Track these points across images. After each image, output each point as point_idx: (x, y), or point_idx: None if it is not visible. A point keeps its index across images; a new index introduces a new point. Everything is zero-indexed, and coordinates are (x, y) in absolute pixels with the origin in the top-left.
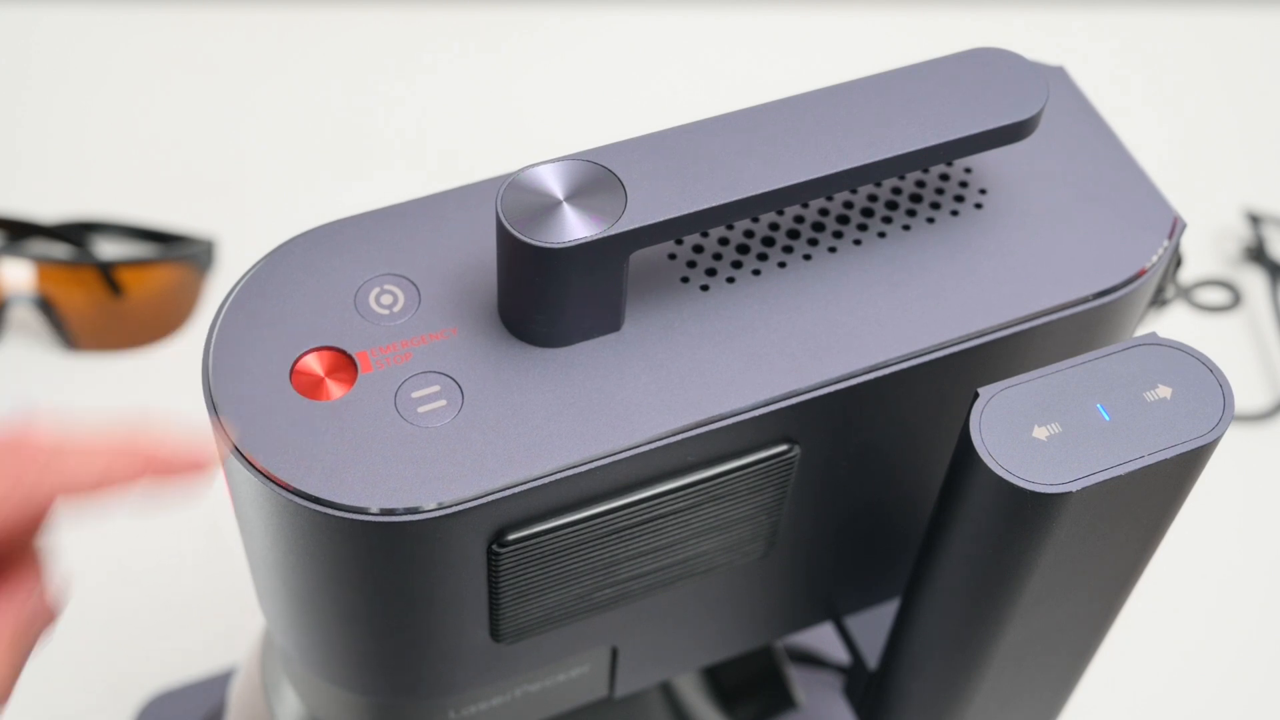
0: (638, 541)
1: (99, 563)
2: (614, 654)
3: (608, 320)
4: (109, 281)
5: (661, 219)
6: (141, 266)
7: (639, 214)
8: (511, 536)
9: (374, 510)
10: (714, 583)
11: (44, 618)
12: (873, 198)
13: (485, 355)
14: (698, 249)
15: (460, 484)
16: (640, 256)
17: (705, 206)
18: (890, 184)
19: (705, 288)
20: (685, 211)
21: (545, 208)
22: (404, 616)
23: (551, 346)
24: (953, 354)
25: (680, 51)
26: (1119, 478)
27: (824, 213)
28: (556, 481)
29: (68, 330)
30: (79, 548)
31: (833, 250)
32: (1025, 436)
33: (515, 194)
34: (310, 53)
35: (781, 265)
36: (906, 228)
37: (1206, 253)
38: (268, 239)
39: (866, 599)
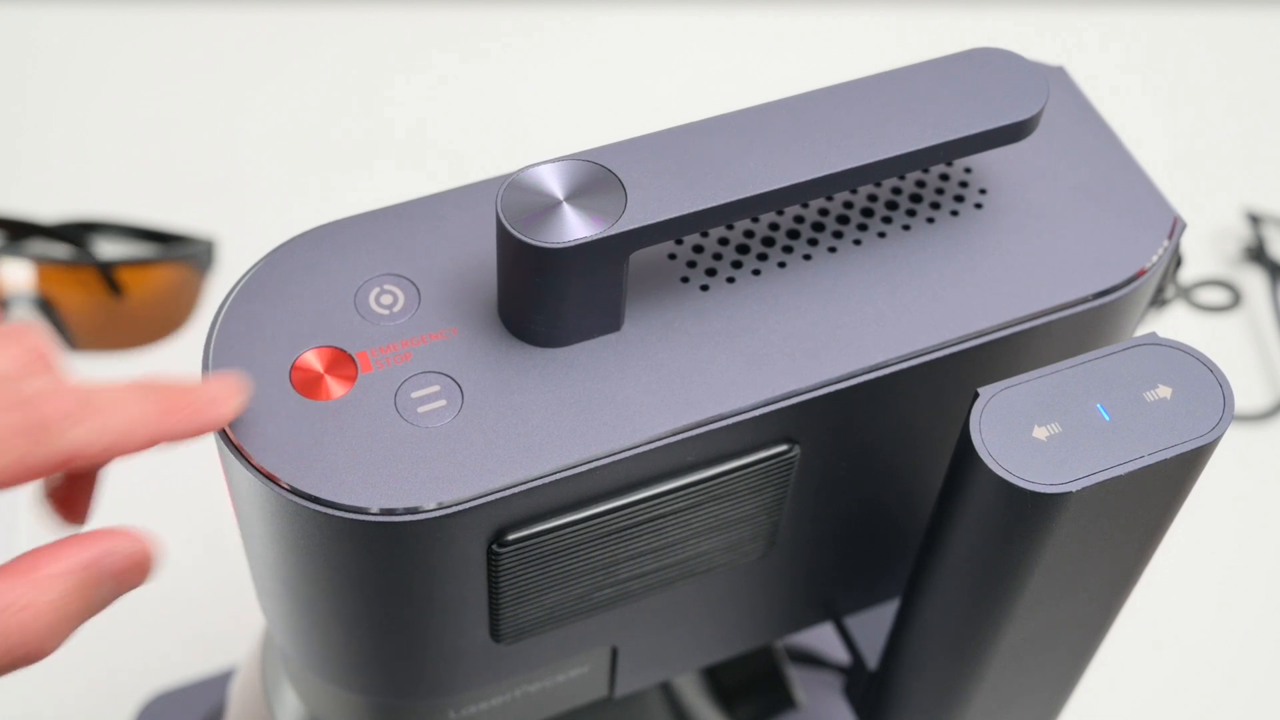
0: (638, 541)
1: None
2: (614, 654)
3: (608, 320)
4: (109, 281)
5: (661, 219)
6: (141, 266)
7: (639, 214)
8: (511, 536)
9: (374, 510)
10: (714, 583)
11: (122, 567)
12: (873, 198)
13: (485, 355)
14: (698, 249)
15: (460, 484)
16: (640, 256)
17: (705, 206)
18: (890, 184)
19: (705, 288)
20: (685, 211)
21: (545, 208)
22: (404, 616)
23: (551, 346)
24: (953, 354)
25: (680, 51)
26: (1119, 478)
27: (824, 213)
28: (556, 481)
29: (68, 330)
30: None
31: (833, 250)
32: (1025, 436)
33: (515, 194)
34: (310, 53)
35: (781, 265)
36: (906, 228)
37: (1206, 253)
38: (268, 239)
39: (866, 599)
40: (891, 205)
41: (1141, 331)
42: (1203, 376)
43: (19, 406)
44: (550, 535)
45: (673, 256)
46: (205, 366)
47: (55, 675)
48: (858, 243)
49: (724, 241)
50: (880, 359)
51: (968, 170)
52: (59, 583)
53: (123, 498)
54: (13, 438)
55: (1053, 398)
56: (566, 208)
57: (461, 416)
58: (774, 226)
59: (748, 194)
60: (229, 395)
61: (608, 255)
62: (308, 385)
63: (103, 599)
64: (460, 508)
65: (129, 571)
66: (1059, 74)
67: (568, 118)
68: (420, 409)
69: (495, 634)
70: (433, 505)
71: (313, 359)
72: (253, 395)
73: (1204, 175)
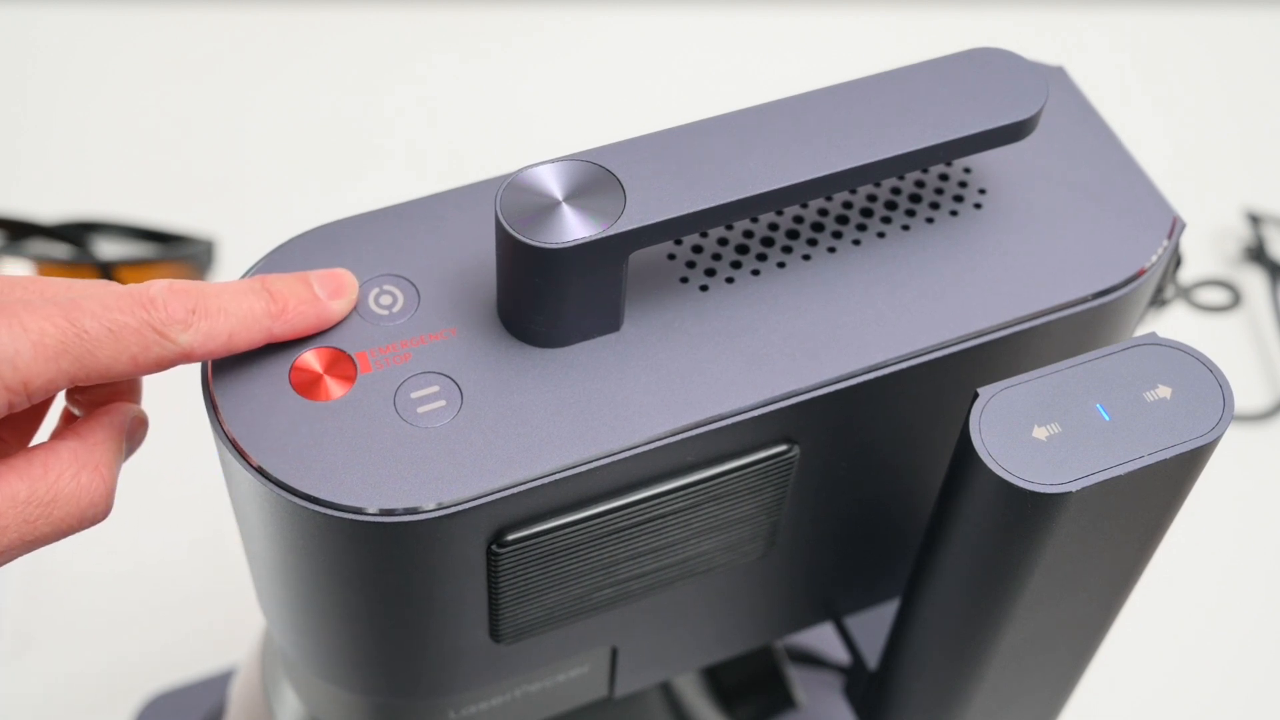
0: (637, 541)
1: (99, 563)
2: (614, 654)
3: (607, 320)
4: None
5: (661, 219)
6: (141, 266)
7: (638, 214)
8: (511, 537)
9: (372, 510)
10: (714, 583)
11: (140, 424)
12: (872, 198)
13: (484, 355)
14: (697, 249)
15: (460, 484)
16: (640, 256)
17: (705, 206)
18: (890, 184)
19: (705, 288)
20: (685, 211)
21: (544, 208)
22: (403, 616)
23: (551, 347)
24: (953, 354)
25: (680, 51)
26: (1119, 478)
27: (824, 213)
28: (556, 481)
29: None
30: (79, 548)
31: (832, 250)
32: (1025, 436)
33: (514, 194)
34: (310, 53)
35: (781, 265)
36: (906, 228)
37: (1206, 253)
38: (268, 239)
39: (866, 599)
40: (891, 205)
41: (1141, 331)
42: (1203, 376)
43: (144, 305)
44: (550, 535)
45: (672, 257)
46: (205, 366)
47: (55, 675)
48: (857, 243)
49: (723, 241)
50: (880, 359)
51: (967, 170)
52: (109, 445)
53: (123, 498)
54: (132, 334)
55: (1053, 398)
56: (566, 208)
57: (461, 417)
58: (774, 226)
59: (748, 194)
60: (336, 294)
61: (607, 255)
62: (307, 386)
63: (123, 459)
64: (460, 508)
65: (137, 431)
66: (1059, 74)
67: (568, 118)
68: (420, 409)
69: (495, 634)
70: (432, 505)
71: (312, 359)
72: (252, 396)
73: (1204, 175)
